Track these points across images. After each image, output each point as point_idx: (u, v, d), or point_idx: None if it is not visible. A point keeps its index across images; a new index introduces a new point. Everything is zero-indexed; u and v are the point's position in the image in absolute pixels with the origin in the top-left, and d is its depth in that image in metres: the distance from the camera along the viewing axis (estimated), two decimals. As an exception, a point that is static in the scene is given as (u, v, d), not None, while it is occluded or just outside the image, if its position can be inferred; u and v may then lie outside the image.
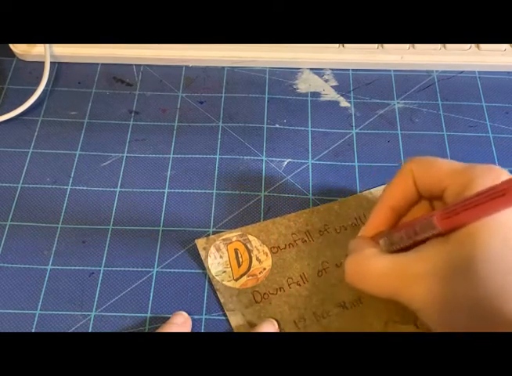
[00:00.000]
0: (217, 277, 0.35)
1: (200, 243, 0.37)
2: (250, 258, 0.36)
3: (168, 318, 0.34)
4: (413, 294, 0.27)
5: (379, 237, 0.31)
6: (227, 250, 0.36)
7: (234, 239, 0.37)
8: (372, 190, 0.39)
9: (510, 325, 0.24)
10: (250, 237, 0.37)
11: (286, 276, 0.35)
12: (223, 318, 0.34)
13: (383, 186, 0.39)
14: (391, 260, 0.28)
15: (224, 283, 0.35)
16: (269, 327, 0.33)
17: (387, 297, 0.29)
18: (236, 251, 0.36)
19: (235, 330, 0.33)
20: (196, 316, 0.34)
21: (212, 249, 0.36)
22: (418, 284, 0.27)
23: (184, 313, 0.34)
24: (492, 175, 0.27)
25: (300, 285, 0.35)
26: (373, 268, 0.28)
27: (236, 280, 0.35)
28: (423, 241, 0.28)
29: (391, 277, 0.28)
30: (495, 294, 0.25)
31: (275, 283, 0.35)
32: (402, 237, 0.29)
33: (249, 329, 0.33)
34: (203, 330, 0.34)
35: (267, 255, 0.36)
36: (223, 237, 0.37)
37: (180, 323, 0.33)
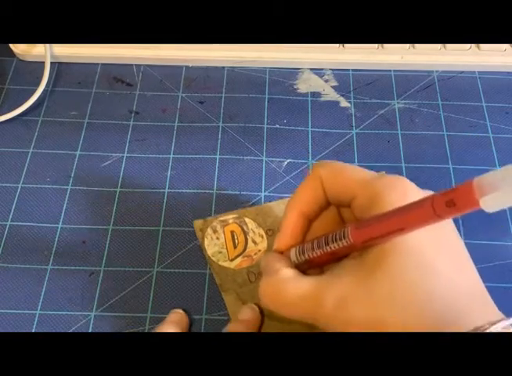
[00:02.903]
0: (213, 258, 0.36)
1: (197, 224, 0.37)
2: (246, 240, 0.37)
3: (168, 318, 0.34)
4: (330, 317, 0.26)
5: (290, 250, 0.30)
6: (223, 232, 0.37)
7: (231, 221, 0.37)
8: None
9: None
10: (247, 220, 0.37)
11: None
12: (223, 318, 0.34)
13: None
14: (309, 283, 0.27)
15: (220, 263, 0.36)
16: (248, 312, 0.33)
17: (304, 320, 0.28)
18: (232, 233, 0.37)
19: (229, 309, 0.34)
20: (196, 316, 0.34)
21: (209, 230, 0.37)
22: (335, 306, 0.26)
23: (179, 311, 0.34)
24: (399, 190, 0.26)
25: None
26: (291, 292, 0.27)
27: (232, 260, 0.36)
28: (334, 254, 0.27)
29: (309, 301, 0.27)
30: (412, 323, 0.24)
31: None
32: (312, 247, 0.28)
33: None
34: (203, 330, 0.34)
35: (262, 238, 0.37)
36: (220, 219, 0.37)
37: (176, 321, 0.33)
